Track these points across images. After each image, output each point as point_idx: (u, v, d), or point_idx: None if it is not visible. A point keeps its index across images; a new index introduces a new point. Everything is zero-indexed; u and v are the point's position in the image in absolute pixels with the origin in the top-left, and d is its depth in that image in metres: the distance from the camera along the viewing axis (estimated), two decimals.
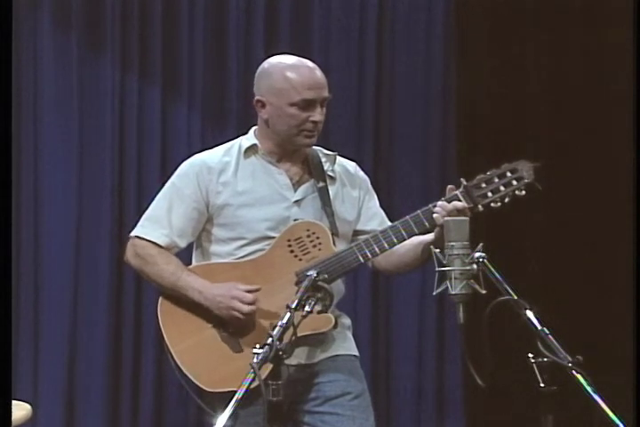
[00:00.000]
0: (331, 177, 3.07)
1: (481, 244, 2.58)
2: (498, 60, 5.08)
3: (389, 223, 3.13)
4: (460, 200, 2.89)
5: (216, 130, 4.71)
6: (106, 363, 4.61)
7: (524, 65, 5.11)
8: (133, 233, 3.06)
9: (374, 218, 3.06)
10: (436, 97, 5.02)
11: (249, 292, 2.89)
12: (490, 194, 2.90)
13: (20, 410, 3.02)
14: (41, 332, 4.59)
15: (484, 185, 2.91)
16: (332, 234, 2.98)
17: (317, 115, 2.96)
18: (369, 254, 2.92)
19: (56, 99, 4.62)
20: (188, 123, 4.77)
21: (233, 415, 2.35)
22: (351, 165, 3.17)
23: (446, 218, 2.66)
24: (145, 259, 3.01)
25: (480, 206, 2.91)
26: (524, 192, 2.92)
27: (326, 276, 2.69)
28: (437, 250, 2.59)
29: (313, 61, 3.06)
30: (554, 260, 5.09)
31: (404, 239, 2.91)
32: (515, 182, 2.92)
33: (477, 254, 2.56)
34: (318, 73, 3.00)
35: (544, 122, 5.14)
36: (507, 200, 2.92)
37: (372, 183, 3.17)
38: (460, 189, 2.91)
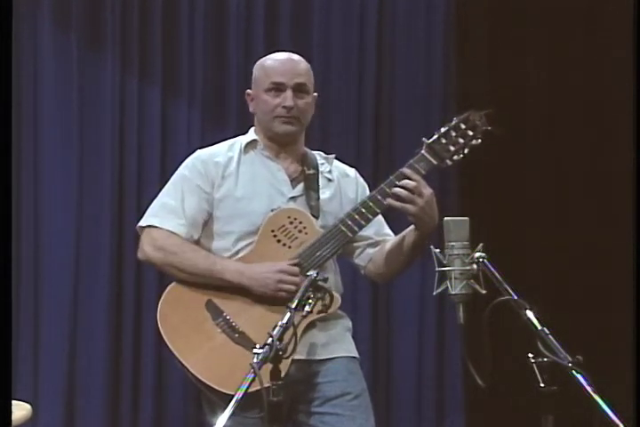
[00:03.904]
0: (328, 179, 3.10)
1: (481, 244, 2.58)
2: (498, 59, 5.08)
3: (388, 230, 3.15)
4: (427, 160, 2.91)
5: (216, 129, 4.71)
6: (106, 363, 4.61)
7: (524, 65, 5.11)
8: (146, 222, 3.03)
9: (372, 224, 3.04)
10: (436, 97, 5.03)
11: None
12: (451, 148, 2.93)
13: (19, 410, 3.02)
14: (41, 332, 4.59)
15: (444, 140, 2.93)
16: (314, 216, 3.00)
17: (288, 99, 3.00)
18: (355, 227, 2.94)
19: (56, 99, 4.62)
20: (188, 122, 4.77)
21: (233, 415, 2.35)
22: (351, 170, 3.21)
23: (446, 218, 2.66)
24: (169, 249, 2.98)
25: (448, 161, 2.94)
26: (480, 141, 2.93)
27: (326, 276, 2.69)
28: (437, 250, 2.59)
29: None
30: (554, 260, 5.09)
31: (384, 207, 2.93)
32: (470, 132, 2.94)
33: (477, 254, 2.56)
34: (293, 62, 3.07)
35: (545, 122, 5.14)
36: (466, 151, 2.94)
37: (372, 184, 3.17)
38: (424, 149, 2.92)
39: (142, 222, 3.06)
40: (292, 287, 2.89)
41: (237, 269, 2.94)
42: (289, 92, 3.00)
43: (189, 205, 3.02)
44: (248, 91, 3.11)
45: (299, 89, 3.02)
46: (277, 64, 3.05)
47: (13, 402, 2.80)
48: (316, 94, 3.11)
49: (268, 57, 3.11)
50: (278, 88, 3.01)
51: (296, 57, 3.10)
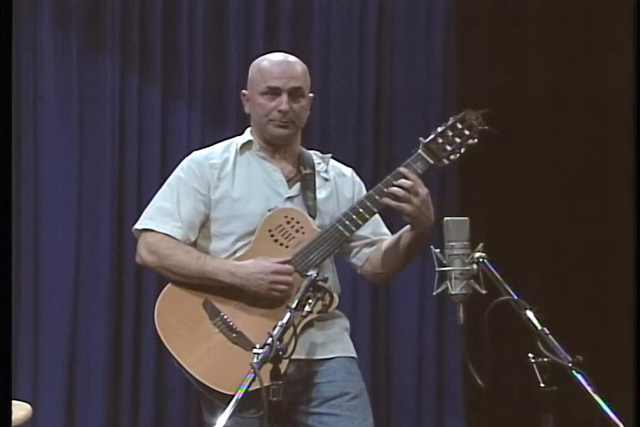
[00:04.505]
0: (325, 179, 3.10)
1: (481, 244, 2.58)
2: (498, 60, 5.08)
3: (385, 229, 3.15)
4: (424, 160, 2.91)
5: (216, 130, 4.71)
6: (106, 363, 4.61)
7: (525, 65, 5.11)
8: (141, 226, 3.03)
9: (369, 224, 3.03)
10: (436, 97, 5.03)
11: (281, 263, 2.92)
12: (448, 147, 2.93)
13: (19, 410, 3.02)
14: (41, 332, 4.59)
15: (440, 140, 2.93)
16: (311, 216, 3.00)
17: (283, 104, 2.99)
18: (352, 227, 2.93)
19: (56, 99, 4.63)
20: (188, 123, 4.77)
21: (231, 415, 2.35)
22: (347, 170, 3.20)
23: (446, 218, 2.66)
24: (162, 253, 2.98)
25: (445, 160, 2.94)
26: (476, 140, 2.94)
27: (326, 276, 2.69)
28: (437, 250, 2.59)
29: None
30: (554, 260, 5.08)
31: (381, 206, 2.93)
32: (467, 132, 2.94)
33: (477, 254, 2.56)
34: (289, 65, 3.04)
35: (544, 122, 5.14)
36: (463, 150, 2.94)
37: (371, 184, 3.17)
38: (421, 148, 2.92)
39: (139, 226, 3.05)
40: (285, 288, 2.90)
41: (229, 269, 2.93)
42: (284, 97, 2.99)
43: (185, 208, 3.02)
44: (244, 91, 3.10)
45: (294, 93, 3.01)
46: (273, 67, 3.02)
47: (13, 402, 2.80)
48: (312, 95, 3.10)
49: (264, 57, 3.09)
50: (274, 92, 3.00)
51: (292, 59, 3.07)
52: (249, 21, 4.84)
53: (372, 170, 4.77)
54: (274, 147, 3.07)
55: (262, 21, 4.85)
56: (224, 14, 4.82)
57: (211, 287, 2.95)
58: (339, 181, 3.13)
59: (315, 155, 3.15)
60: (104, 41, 4.67)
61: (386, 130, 4.99)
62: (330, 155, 3.17)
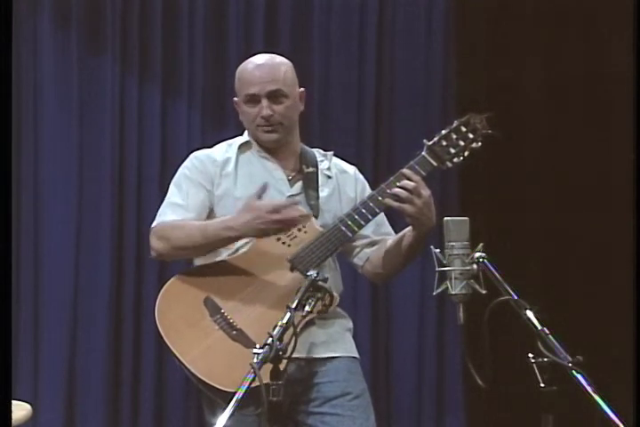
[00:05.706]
0: (327, 176, 3.10)
1: (481, 244, 2.58)
2: (498, 60, 5.08)
3: (387, 229, 3.15)
4: (428, 162, 2.91)
5: (216, 130, 4.71)
6: (106, 363, 4.61)
7: (524, 65, 5.11)
8: (155, 222, 3.03)
9: (370, 223, 3.02)
10: (436, 97, 5.02)
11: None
12: (452, 150, 2.93)
13: (19, 410, 3.03)
14: (41, 332, 4.59)
15: (444, 143, 2.93)
16: (314, 215, 3.00)
17: (264, 109, 2.99)
18: (355, 227, 2.93)
19: (56, 99, 4.63)
20: (188, 123, 4.77)
21: (233, 415, 2.35)
22: (350, 168, 3.20)
23: (446, 218, 2.66)
24: (167, 234, 2.97)
25: (448, 163, 2.94)
26: (480, 144, 2.94)
27: (326, 276, 2.69)
28: (437, 250, 2.59)
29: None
30: (554, 260, 5.09)
31: (384, 206, 2.93)
32: (471, 135, 2.94)
33: (477, 254, 2.56)
34: (267, 68, 3.03)
35: (544, 122, 5.14)
36: (466, 154, 2.94)
37: (372, 184, 3.17)
38: (425, 150, 2.92)
39: (153, 224, 3.05)
40: (293, 220, 2.86)
41: (227, 225, 2.90)
42: (264, 102, 3.00)
43: (194, 201, 3.02)
44: (234, 99, 3.10)
45: (274, 95, 3.01)
46: (249, 74, 3.03)
47: (13, 402, 2.80)
48: (302, 89, 3.10)
49: (244, 63, 3.08)
50: (253, 99, 3.01)
51: (270, 61, 3.06)
52: (249, 21, 4.84)
53: (372, 170, 4.76)
54: (271, 149, 3.08)
55: (262, 21, 4.84)
56: (224, 14, 4.82)
57: (213, 284, 2.95)
58: (341, 179, 3.13)
59: (317, 152, 3.15)
60: (104, 41, 4.67)
61: (386, 130, 4.99)
62: (332, 152, 3.17)
